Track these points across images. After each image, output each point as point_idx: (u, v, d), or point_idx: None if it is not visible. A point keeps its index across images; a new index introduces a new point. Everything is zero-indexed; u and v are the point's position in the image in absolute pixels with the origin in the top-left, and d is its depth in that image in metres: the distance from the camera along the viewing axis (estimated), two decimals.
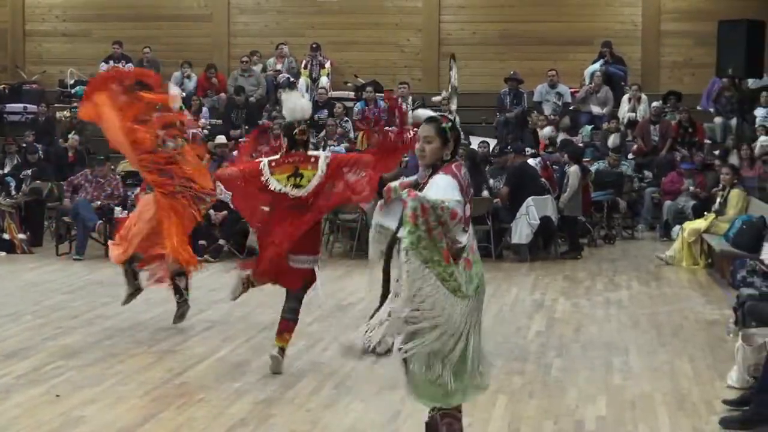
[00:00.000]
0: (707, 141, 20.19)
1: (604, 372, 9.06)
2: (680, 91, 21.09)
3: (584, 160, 18.00)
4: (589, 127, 20.88)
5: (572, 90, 21.73)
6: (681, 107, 20.50)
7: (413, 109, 20.76)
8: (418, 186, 6.29)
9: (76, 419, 7.58)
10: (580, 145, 19.18)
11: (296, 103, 9.11)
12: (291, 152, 8.91)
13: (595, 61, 21.92)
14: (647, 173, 19.42)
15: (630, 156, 19.55)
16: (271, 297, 12.34)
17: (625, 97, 21.28)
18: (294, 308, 9.09)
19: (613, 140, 19.19)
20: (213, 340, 10.23)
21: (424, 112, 6.69)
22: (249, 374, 8.88)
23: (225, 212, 15.67)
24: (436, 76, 23.08)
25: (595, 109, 21.27)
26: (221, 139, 18.90)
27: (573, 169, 16.32)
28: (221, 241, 15.62)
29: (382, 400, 8.09)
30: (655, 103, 20.51)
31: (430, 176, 6.23)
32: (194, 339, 10.26)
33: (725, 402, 7.93)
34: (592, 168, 18.20)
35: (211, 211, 15.68)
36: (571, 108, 21.39)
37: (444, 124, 6.29)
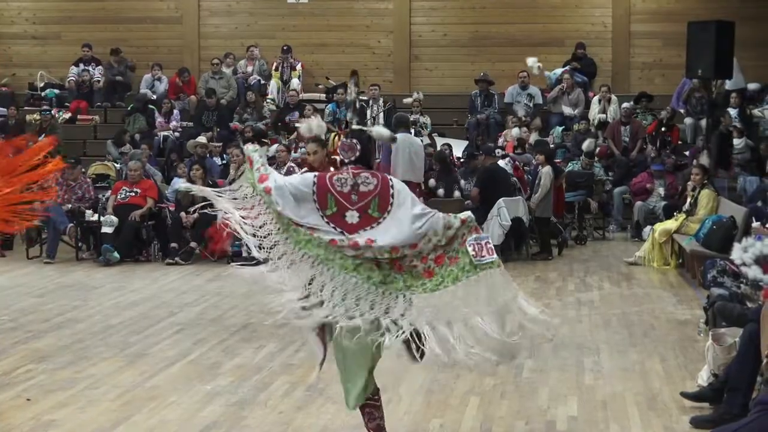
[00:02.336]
0: (678, 142, 20.28)
1: (576, 372, 9.09)
2: (650, 93, 21.17)
3: (555, 161, 18.04)
4: (560, 128, 20.94)
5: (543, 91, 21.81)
6: (666, 107, 20.54)
7: (385, 110, 20.93)
8: None
9: (47, 423, 7.55)
10: (551, 146, 19.21)
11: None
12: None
13: (566, 64, 21.99)
14: (611, 174, 19.48)
15: (596, 158, 19.57)
16: (243, 300, 12.37)
17: (595, 99, 21.35)
18: None
19: (587, 144, 19.23)
20: (184, 342, 10.21)
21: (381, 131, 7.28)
22: (221, 377, 8.86)
23: (196, 215, 15.63)
24: (407, 78, 23.11)
25: (567, 110, 21.32)
26: (201, 139, 18.88)
27: (545, 170, 16.35)
28: (192, 244, 15.56)
29: None
30: (625, 104, 20.57)
31: None
32: (166, 342, 10.23)
33: (683, 394, 8.00)
34: (565, 169, 18.24)
35: (182, 214, 15.66)
36: (542, 108, 21.45)
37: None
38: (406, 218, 6.44)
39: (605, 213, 18.73)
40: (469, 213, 6.61)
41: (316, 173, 6.62)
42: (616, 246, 17.43)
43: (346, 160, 6.63)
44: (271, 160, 15.84)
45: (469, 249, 6.45)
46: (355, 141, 6.67)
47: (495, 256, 6.57)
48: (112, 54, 22.95)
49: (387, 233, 6.39)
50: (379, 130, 7.25)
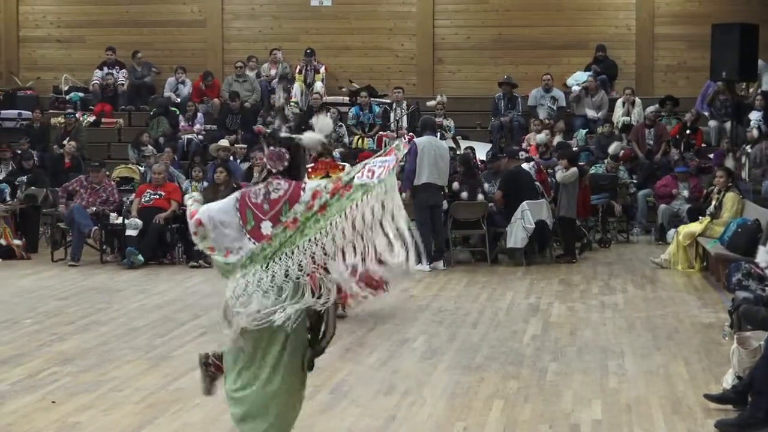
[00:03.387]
0: (702, 145, 20.21)
1: (600, 375, 9.06)
2: (674, 95, 21.09)
3: (579, 163, 17.98)
4: (583, 131, 20.90)
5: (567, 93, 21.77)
6: (690, 110, 20.47)
7: (408, 113, 20.93)
8: None
9: (71, 425, 7.57)
10: (575, 149, 19.17)
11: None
12: (319, 159, 10.95)
13: (587, 68, 21.94)
14: (635, 177, 19.42)
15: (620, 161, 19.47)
16: None
17: (620, 101, 21.30)
18: None
19: (614, 148, 19.16)
20: (208, 345, 10.16)
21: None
22: None
23: None
24: (431, 81, 23.09)
25: (590, 113, 21.28)
26: (224, 142, 18.90)
27: (570, 173, 16.28)
28: None
29: (378, 404, 8.08)
30: (650, 108, 20.50)
31: None
32: (189, 345, 10.24)
33: (706, 396, 7.98)
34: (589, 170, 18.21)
35: None
36: (566, 111, 21.40)
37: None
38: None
39: (629, 216, 18.68)
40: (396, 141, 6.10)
41: (241, 191, 6.23)
42: (640, 249, 17.38)
43: (274, 170, 6.22)
44: None
45: (359, 178, 5.94)
46: (284, 150, 6.32)
47: (381, 178, 5.92)
48: (132, 57, 23.04)
49: None
50: (310, 136, 6.64)
